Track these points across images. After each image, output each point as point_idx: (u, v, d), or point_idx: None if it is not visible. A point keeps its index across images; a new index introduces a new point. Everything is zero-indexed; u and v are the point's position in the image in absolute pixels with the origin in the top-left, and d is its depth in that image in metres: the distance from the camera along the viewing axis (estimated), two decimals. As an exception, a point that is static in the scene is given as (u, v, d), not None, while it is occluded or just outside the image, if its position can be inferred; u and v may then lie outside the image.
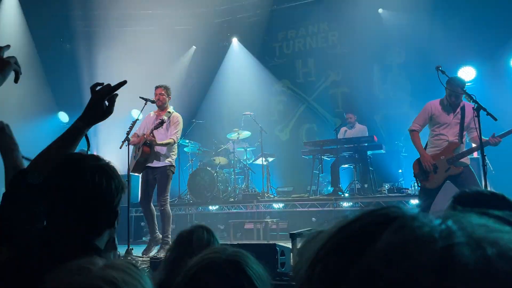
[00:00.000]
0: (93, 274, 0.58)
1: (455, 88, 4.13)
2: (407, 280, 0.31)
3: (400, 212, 0.36)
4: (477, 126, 3.84)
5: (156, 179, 5.24)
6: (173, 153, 5.39)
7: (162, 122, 5.04)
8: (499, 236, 0.32)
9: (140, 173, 5.37)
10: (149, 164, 5.22)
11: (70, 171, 1.21)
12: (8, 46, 1.68)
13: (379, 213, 0.37)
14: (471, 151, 4.23)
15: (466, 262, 0.30)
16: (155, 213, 5.28)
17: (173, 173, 5.42)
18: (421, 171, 4.29)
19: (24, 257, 1.13)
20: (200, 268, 0.96)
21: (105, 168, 1.25)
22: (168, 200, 5.32)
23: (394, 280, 0.31)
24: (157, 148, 5.22)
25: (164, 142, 5.17)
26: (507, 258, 0.30)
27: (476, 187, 4.09)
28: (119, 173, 1.31)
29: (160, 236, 5.15)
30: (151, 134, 5.10)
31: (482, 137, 4.05)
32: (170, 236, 5.04)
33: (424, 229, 0.33)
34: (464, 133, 4.28)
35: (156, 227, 5.25)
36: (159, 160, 5.22)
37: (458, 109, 4.27)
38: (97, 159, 1.28)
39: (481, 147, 3.72)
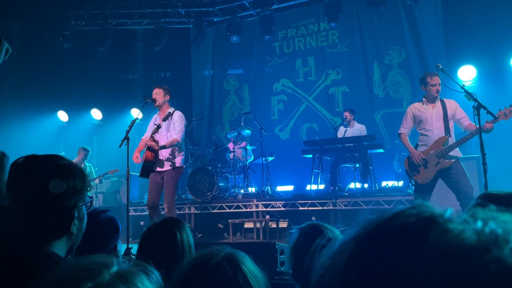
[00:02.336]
0: (101, 280, 0.57)
1: (425, 80, 4.47)
2: (463, 283, 0.30)
3: (431, 212, 0.36)
4: (477, 125, 3.85)
5: (164, 181, 5.23)
6: (179, 153, 5.36)
7: (158, 127, 5.04)
8: None
9: (147, 178, 5.34)
10: (156, 169, 5.23)
11: (24, 171, 1.16)
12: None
13: (413, 212, 0.37)
14: (459, 142, 4.30)
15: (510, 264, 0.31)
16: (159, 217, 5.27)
17: (181, 173, 5.42)
18: (411, 166, 4.49)
19: None
20: (197, 264, 0.97)
21: (62, 168, 1.18)
22: (174, 202, 5.31)
23: (447, 281, 0.31)
24: (162, 152, 5.22)
25: (168, 144, 5.15)
26: None
27: (467, 184, 4.14)
28: (82, 173, 1.23)
29: None
30: (151, 139, 5.09)
31: (474, 124, 4.14)
32: None
33: (467, 233, 0.33)
34: (451, 126, 4.44)
35: None
36: (164, 164, 5.22)
37: (437, 103, 4.50)
38: (58, 159, 1.20)
39: (481, 147, 3.71)
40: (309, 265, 1.53)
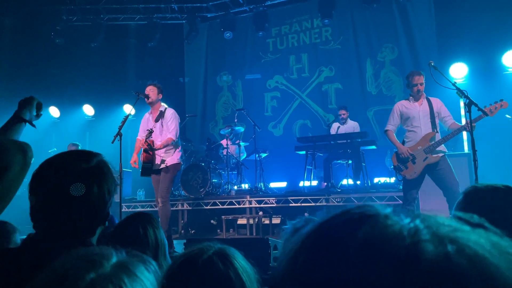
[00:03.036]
0: (103, 270, 0.57)
1: (407, 80, 4.59)
2: (380, 271, 0.34)
3: (375, 210, 0.40)
4: (468, 121, 3.90)
5: (161, 177, 5.28)
6: (176, 150, 5.38)
7: (150, 132, 5.08)
8: (459, 234, 0.36)
9: (149, 176, 5.40)
10: (155, 168, 5.27)
11: (60, 176, 1.15)
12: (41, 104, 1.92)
13: (356, 211, 0.41)
14: (446, 138, 4.39)
15: (429, 257, 0.34)
16: (169, 214, 5.31)
17: (179, 170, 5.48)
18: (399, 161, 4.57)
19: (21, 252, 1.12)
20: (187, 259, 0.97)
21: (97, 171, 1.19)
22: (169, 197, 5.35)
23: (368, 271, 0.35)
24: (158, 152, 5.25)
25: (163, 144, 5.17)
26: (464, 254, 0.34)
27: (453, 179, 4.21)
28: (111, 169, 1.26)
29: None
30: (146, 143, 5.12)
31: (457, 123, 4.39)
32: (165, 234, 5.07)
33: (395, 227, 0.37)
34: (437, 122, 4.53)
35: (167, 226, 5.30)
36: (162, 163, 5.26)
37: (423, 100, 4.58)
38: (88, 159, 1.21)
39: (472, 143, 3.75)
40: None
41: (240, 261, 1.00)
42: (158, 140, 5.25)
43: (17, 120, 1.71)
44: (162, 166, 5.27)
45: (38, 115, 1.87)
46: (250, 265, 1.01)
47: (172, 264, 0.98)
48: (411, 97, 4.66)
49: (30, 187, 1.17)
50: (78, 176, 1.16)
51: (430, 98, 4.61)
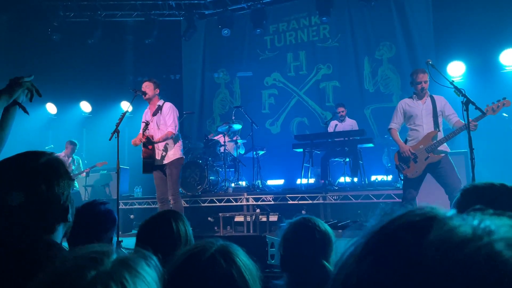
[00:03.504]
0: (104, 268, 0.57)
1: (411, 78, 4.57)
2: (459, 271, 0.34)
3: (436, 212, 0.40)
4: (465, 120, 3.90)
5: (166, 174, 5.25)
6: (177, 144, 5.37)
7: (146, 124, 5.08)
8: None
9: (150, 173, 5.37)
10: (157, 164, 5.25)
11: (8, 176, 1.17)
12: (30, 76, 1.81)
13: (417, 213, 0.41)
14: (448, 137, 4.37)
15: (506, 257, 0.34)
16: (183, 210, 5.31)
17: (182, 164, 5.48)
18: (401, 160, 4.55)
19: None
20: (190, 256, 0.97)
21: (43, 170, 1.21)
22: (179, 193, 5.36)
23: (445, 274, 0.34)
24: (159, 146, 5.23)
25: (162, 138, 5.15)
26: None
27: (455, 177, 4.22)
28: (62, 163, 1.28)
29: None
30: (144, 137, 5.09)
31: (462, 121, 4.29)
32: None
33: (465, 227, 0.37)
34: (440, 121, 4.52)
35: None
36: (164, 158, 5.24)
37: (426, 99, 4.57)
38: (36, 158, 1.22)
39: (469, 142, 3.76)
40: (297, 256, 1.55)
41: (243, 259, 0.99)
42: (156, 135, 5.23)
43: (12, 103, 1.66)
44: (165, 162, 5.25)
45: (31, 99, 1.83)
46: (253, 262, 1.00)
47: (174, 261, 0.98)
48: (414, 95, 4.65)
49: None
50: (27, 177, 1.18)
51: (434, 96, 4.60)
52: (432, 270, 0.35)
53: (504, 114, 6.49)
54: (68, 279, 0.55)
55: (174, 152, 5.29)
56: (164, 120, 5.26)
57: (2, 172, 1.20)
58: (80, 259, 0.58)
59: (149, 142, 5.14)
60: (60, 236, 1.26)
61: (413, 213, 0.41)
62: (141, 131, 5.31)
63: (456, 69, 7.59)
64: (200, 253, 0.97)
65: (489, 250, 0.34)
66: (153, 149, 5.23)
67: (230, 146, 8.07)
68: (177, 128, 5.32)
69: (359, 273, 0.39)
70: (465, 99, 3.80)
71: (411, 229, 0.39)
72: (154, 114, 5.29)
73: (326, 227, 1.67)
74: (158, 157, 5.25)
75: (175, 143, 5.34)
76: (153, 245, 1.30)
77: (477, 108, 3.86)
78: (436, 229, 0.37)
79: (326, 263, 1.58)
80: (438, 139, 4.41)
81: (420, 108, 4.57)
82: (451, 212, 0.40)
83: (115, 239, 4.58)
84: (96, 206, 1.99)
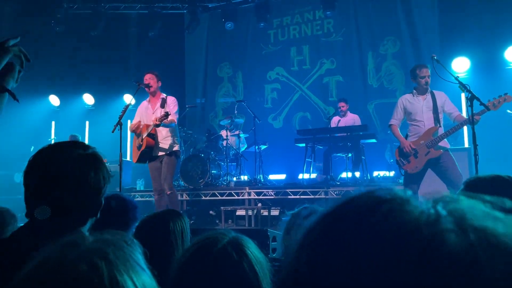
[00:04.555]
0: (84, 247, 0.57)
1: (414, 73, 4.57)
2: (394, 265, 0.31)
3: (392, 194, 0.37)
4: (470, 115, 3.90)
5: (162, 165, 5.26)
6: (176, 138, 5.40)
7: (167, 114, 5.00)
8: (488, 223, 0.32)
9: (145, 163, 5.39)
10: (155, 154, 5.26)
11: (57, 160, 1.16)
12: (17, 37, 1.65)
13: (373, 195, 0.37)
14: (449, 132, 4.37)
15: (450, 249, 0.31)
16: (166, 203, 5.32)
17: (179, 157, 5.50)
18: (402, 156, 4.58)
19: (13, 242, 1.12)
20: (202, 247, 0.97)
21: (93, 158, 1.22)
22: (172, 184, 5.37)
23: (381, 264, 0.31)
24: (159, 137, 5.23)
25: (167, 122, 5.14)
26: (489, 245, 0.31)
27: (456, 172, 4.22)
28: (104, 164, 1.28)
29: None
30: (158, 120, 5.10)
31: (462, 116, 4.38)
32: None
33: (412, 214, 0.34)
34: (440, 117, 4.52)
35: None
36: (163, 149, 5.25)
37: (427, 95, 4.57)
38: (84, 147, 1.24)
39: (473, 138, 3.74)
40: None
41: (254, 251, 0.99)
42: (161, 128, 5.25)
43: (0, 90, 1.56)
44: (163, 153, 5.25)
45: (21, 65, 1.77)
46: (263, 255, 1.01)
47: (185, 252, 0.98)
48: (415, 91, 4.65)
49: (25, 173, 1.18)
50: (75, 161, 1.17)
51: (434, 91, 4.60)
52: (365, 261, 0.32)
53: (509, 111, 6.46)
54: (50, 263, 0.55)
55: (173, 144, 5.31)
56: (168, 108, 5.27)
57: (59, 150, 1.19)
58: (59, 245, 0.58)
59: (151, 133, 5.14)
60: (86, 230, 1.25)
61: (371, 194, 0.38)
62: (134, 122, 5.34)
63: (460, 65, 7.55)
64: (212, 244, 0.97)
65: (427, 243, 0.31)
66: (156, 140, 5.24)
67: (232, 140, 8.07)
68: (177, 119, 5.36)
69: (298, 264, 0.37)
70: (470, 94, 3.78)
71: (359, 212, 0.36)
72: (162, 107, 5.30)
73: None
74: (156, 150, 5.25)
75: (175, 135, 5.36)
76: (149, 245, 1.31)
77: (481, 103, 3.85)
78: (380, 214, 0.34)
79: None
80: (438, 134, 4.42)
81: (421, 104, 4.57)
82: (408, 193, 0.37)
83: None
84: (126, 201, 1.96)
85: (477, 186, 1.39)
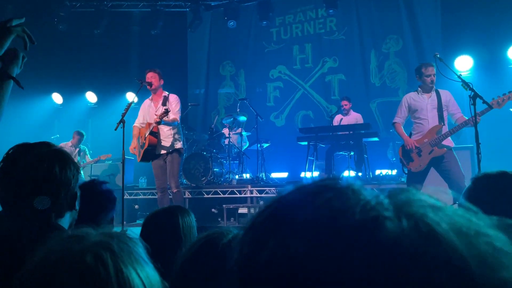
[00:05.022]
0: (89, 240, 0.58)
1: (420, 71, 4.54)
2: (325, 248, 0.31)
3: (340, 183, 0.37)
4: (472, 114, 3.88)
5: (167, 163, 5.27)
6: (179, 135, 5.40)
7: (167, 111, 5.02)
8: (421, 210, 0.32)
9: (149, 162, 5.40)
10: (158, 152, 5.26)
11: (21, 159, 1.22)
12: (21, 18, 1.63)
13: (322, 183, 0.37)
14: (453, 131, 4.36)
15: (381, 235, 0.30)
16: (169, 201, 5.33)
17: (182, 155, 5.53)
18: (405, 154, 4.56)
19: None
20: (208, 241, 0.99)
21: (57, 153, 1.27)
22: (179, 182, 5.41)
23: (307, 252, 0.31)
24: (162, 135, 5.24)
25: (170, 120, 5.17)
26: (418, 231, 0.30)
27: (458, 173, 4.21)
28: (70, 158, 1.33)
29: None
30: (156, 126, 5.12)
31: (464, 117, 4.35)
32: None
33: (352, 201, 0.34)
34: (445, 116, 4.50)
35: None
36: (167, 147, 5.25)
37: (432, 93, 4.55)
38: (48, 145, 1.29)
39: (476, 137, 3.73)
40: None
41: None
42: (163, 126, 5.26)
43: (5, 77, 1.55)
44: (167, 151, 5.26)
45: (25, 47, 1.76)
46: None
47: (191, 246, 1.00)
48: (419, 89, 4.62)
49: None
50: (40, 158, 1.22)
51: (439, 90, 4.58)
52: (301, 246, 0.32)
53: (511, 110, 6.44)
54: (56, 255, 0.56)
55: (176, 142, 5.31)
56: (171, 109, 5.27)
57: (19, 157, 1.23)
58: (64, 238, 0.59)
59: (153, 131, 5.16)
60: (66, 223, 1.29)
61: (319, 183, 0.38)
62: (136, 124, 5.37)
63: (463, 64, 7.53)
64: (218, 238, 1.00)
65: (357, 228, 0.31)
66: (159, 140, 5.25)
67: (234, 139, 8.07)
68: (179, 117, 5.36)
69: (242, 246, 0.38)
70: (472, 93, 3.77)
71: (301, 200, 0.36)
72: (163, 105, 5.30)
73: None
74: (158, 148, 5.25)
75: (177, 133, 5.36)
76: (156, 241, 1.32)
77: (484, 102, 3.84)
78: (320, 199, 0.35)
79: None
80: (442, 133, 4.40)
81: (426, 102, 4.54)
82: (360, 184, 0.37)
83: (119, 229, 4.62)
84: (95, 185, 1.95)
85: (485, 182, 1.39)
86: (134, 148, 5.35)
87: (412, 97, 4.67)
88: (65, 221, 1.28)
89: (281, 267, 0.32)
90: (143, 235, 1.73)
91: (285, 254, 0.32)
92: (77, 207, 1.31)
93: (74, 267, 0.54)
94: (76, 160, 6.90)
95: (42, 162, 1.22)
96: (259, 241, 0.35)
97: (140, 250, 0.61)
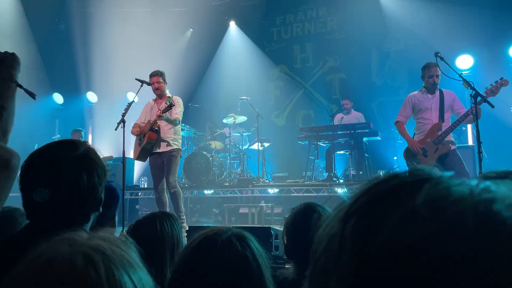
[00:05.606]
0: (80, 242, 0.57)
1: (423, 71, 4.54)
2: (450, 228, 0.32)
3: (433, 172, 0.38)
4: (474, 113, 3.88)
5: (164, 163, 5.25)
6: (178, 136, 5.40)
7: (170, 106, 5.01)
8: None
9: (145, 161, 5.39)
10: (156, 150, 5.24)
11: (46, 169, 1.16)
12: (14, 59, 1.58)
13: (412, 173, 0.38)
14: (453, 126, 4.33)
15: (504, 217, 0.32)
16: (167, 201, 5.33)
17: (180, 156, 5.49)
18: (411, 157, 4.49)
19: (13, 242, 1.13)
20: (206, 238, 1.00)
21: (85, 159, 1.20)
22: (177, 181, 5.41)
23: (436, 228, 0.32)
24: (163, 134, 5.23)
25: (172, 118, 5.18)
26: None
27: (463, 170, 4.19)
28: (100, 155, 1.28)
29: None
30: (156, 123, 5.11)
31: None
32: (183, 214, 5.31)
33: (463, 186, 0.35)
34: (447, 116, 4.47)
35: (183, 208, 5.41)
36: (165, 145, 5.24)
37: (436, 93, 4.52)
38: (73, 148, 1.21)
39: (477, 135, 3.73)
40: (302, 242, 1.54)
41: (256, 244, 1.03)
42: (163, 124, 5.26)
43: (10, 83, 1.50)
44: (166, 149, 5.24)
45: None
46: (265, 252, 1.04)
47: (191, 242, 1.01)
48: (424, 89, 4.59)
49: (20, 179, 1.19)
50: (66, 166, 1.16)
51: (443, 90, 4.55)
52: (422, 228, 0.33)
53: (512, 109, 6.44)
54: (45, 258, 0.55)
55: (175, 142, 5.31)
56: (174, 110, 5.27)
57: (43, 162, 1.18)
58: (55, 241, 0.58)
59: (154, 128, 5.15)
60: (90, 226, 1.26)
61: (405, 174, 0.38)
62: (137, 122, 5.38)
63: (464, 62, 7.52)
64: (217, 235, 1.01)
65: (487, 208, 0.32)
66: (158, 139, 5.23)
67: (235, 138, 8.07)
68: (180, 119, 5.36)
69: (343, 233, 0.37)
70: (473, 92, 3.77)
71: (402, 188, 0.36)
72: (164, 106, 5.30)
73: (327, 210, 1.65)
74: (157, 145, 5.24)
75: (177, 133, 5.35)
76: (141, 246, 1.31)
77: (485, 101, 3.83)
78: (429, 187, 0.35)
79: None
80: (443, 130, 4.37)
81: (430, 102, 4.51)
82: (448, 173, 0.38)
83: (120, 228, 4.62)
84: None
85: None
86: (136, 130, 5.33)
87: (416, 97, 4.62)
88: (89, 224, 1.26)
89: (403, 250, 0.33)
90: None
91: (405, 244, 0.33)
92: (101, 209, 1.27)
93: (63, 270, 0.53)
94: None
95: (68, 173, 1.16)
96: (367, 229, 0.35)
97: (133, 253, 0.60)
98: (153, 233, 1.68)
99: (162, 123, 5.22)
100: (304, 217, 1.60)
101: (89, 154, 1.23)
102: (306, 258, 1.53)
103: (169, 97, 5.36)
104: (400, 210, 0.34)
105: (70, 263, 0.53)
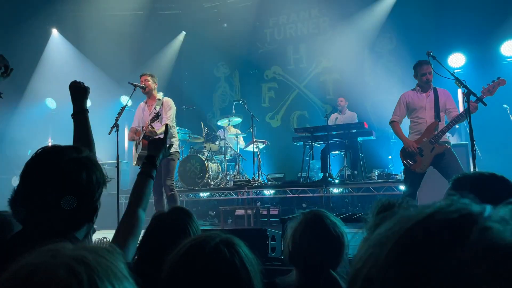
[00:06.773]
0: (63, 253, 0.56)
1: (415, 70, 4.51)
2: (504, 279, 0.32)
3: (470, 208, 0.38)
4: (465, 110, 3.89)
5: (162, 166, 5.24)
6: (174, 139, 5.38)
7: (157, 115, 4.99)
8: None
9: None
10: None
11: (48, 164, 1.17)
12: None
13: (451, 209, 0.38)
14: (449, 126, 4.32)
15: None
16: (165, 204, 5.31)
17: (178, 158, 5.46)
18: (407, 157, 4.45)
19: (4, 249, 1.12)
20: (194, 245, 0.98)
21: (85, 161, 1.22)
22: (174, 184, 5.39)
23: (490, 275, 0.32)
24: None
25: (161, 130, 5.15)
26: None
27: (459, 169, 4.20)
28: (100, 165, 1.28)
29: None
30: (150, 126, 5.08)
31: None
32: None
33: (508, 233, 0.35)
34: (442, 115, 4.45)
35: None
36: None
37: (430, 92, 4.49)
38: (77, 151, 1.24)
39: (470, 133, 3.75)
40: (306, 249, 1.53)
41: (245, 250, 1.02)
42: (157, 127, 5.24)
43: None
44: None
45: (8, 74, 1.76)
46: (254, 258, 1.03)
47: (178, 250, 0.99)
48: (417, 88, 4.56)
49: (21, 175, 1.19)
50: (67, 163, 1.17)
51: (437, 89, 4.53)
52: (473, 276, 0.33)
53: (505, 105, 6.48)
54: (27, 269, 0.54)
55: (170, 146, 5.28)
56: (164, 113, 5.26)
57: (46, 157, 1.19)
58: (38, 252, 0.57)
59: (150, 135, 5.13)
60: (82, 235, 1.25)
61: (448, 209, 0.38)
62: (134, 126, 5.36)
63: (456, 61, 7.56)
64: (204, 242, 0.99)
65: None
66: None
67: (230, 140, 8.06)
68: (172, 121, 5.35)
69: (389, 272, 0.36)
70: (466, 90, 3.78)
71: (449, 228, 0.36)
72: (156, 108, 5.28)
73: (340, 229, 1.59)
74: None
75: (172, 136, 5.35)
76: (162, 245, 1.29)
77: (478, 99, 3.85)
78: (476, 231, 0.35)
79: (333, 273, 1.53)
80: (439, 129, 4.36)
81: (425, 101, 4.48)
82: (487, 210, 0.38)
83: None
84: None
85: (461, 183, 1.40)
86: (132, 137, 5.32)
87: (410, 95, 4.59)
88: (81, 233, 1.24)
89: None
90: (148, 236, 1.66)
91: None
92: (94, 220, 1.26)
93: (45, 282, 0.51)
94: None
95: (70, 166, 1.17)
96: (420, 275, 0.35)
97: (120, 264, 0.59)
98: (178, 229, 1.64)
99: (156, 127, 5.20)
100: (312, 226, 1.57)
101: (91, 158, 1.25)
102: (312, 264, 1.51)
103: (159, 99, 5.34)
104: (451, 255, 0.35)
105: (52, 275, 0.52)
